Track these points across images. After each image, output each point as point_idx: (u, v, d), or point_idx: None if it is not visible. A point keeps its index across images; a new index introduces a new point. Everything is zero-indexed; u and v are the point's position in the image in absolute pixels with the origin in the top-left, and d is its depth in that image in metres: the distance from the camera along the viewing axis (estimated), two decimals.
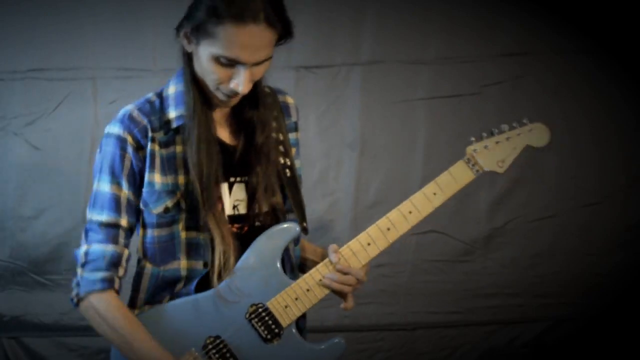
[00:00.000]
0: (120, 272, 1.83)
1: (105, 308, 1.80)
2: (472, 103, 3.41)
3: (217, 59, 1.72)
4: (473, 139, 1.91)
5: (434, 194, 1.90)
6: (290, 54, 3.35)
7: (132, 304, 1.90)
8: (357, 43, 3.38)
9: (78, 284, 1.82)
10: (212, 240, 1.82)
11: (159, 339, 1.79)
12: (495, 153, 1.89)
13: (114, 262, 1.81)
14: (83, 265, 1.81)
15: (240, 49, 1.70)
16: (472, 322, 3.45)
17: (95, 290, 1.80)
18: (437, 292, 3.44)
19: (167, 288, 1.86)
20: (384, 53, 3.39)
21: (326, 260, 1.87)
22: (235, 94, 1.77)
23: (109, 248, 1.81)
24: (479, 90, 3.41)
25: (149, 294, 1.88)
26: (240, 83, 1.74)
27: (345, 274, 1.87)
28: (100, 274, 1.80)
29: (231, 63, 1.72)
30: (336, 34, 3.37)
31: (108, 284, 1.80)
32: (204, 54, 1.73)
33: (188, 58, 1.81)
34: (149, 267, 1.87)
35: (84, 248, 1.83)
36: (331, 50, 3.38)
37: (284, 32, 1.81)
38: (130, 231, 1.85)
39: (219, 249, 1.80)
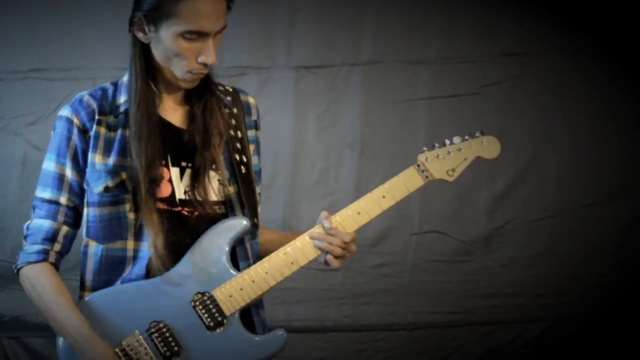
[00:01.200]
0: (56, 247, 1.90)
1: (35, 277, 1.87)
2: (472, 103, 3.41)
3: (182, 36, 1.78)
4: (425, 148, 1.97)
5: (383, 197, 1.96)
6: (290, 54, 3.36)
7: (81, 287, 1.95)
8: (357, 43, 3.39)
9: (18, 256, 1.91)
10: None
11: (104, 322, 1.84)
12: (445, 162, 1.97)
13: (49, 237, 1.89)
14: (25, 238, 1.92)
15: (203, 19, 1.77)
16: (472, 322, 3.45)
17: (30, 261, 1.88)
18: (437, 292, 3.43)
19: (114, 270, 1.89)
20: (384, 53, 3.39)
21: (272, 254, 1.90)
22: (205, 67, 1.84)
23: (46, 223, 1.89)
24: (479, 90, 3.41)
25: (96, 275, 1.91)
26: (209, 54, 1.81)
27: (332, 235, 1.90)
28: (35, 247, 1.88)
29: (196, 36, 1.79)
30: (336, 34, 3.38)
31: (43, 255, 1.88)
32: (167, 35, 1.79)
33: (141, 48, 1.86)
34: (92, 245, 1.91)
35: (28, 222, 1.92)
36: (331, 50, 3.39)
37: None
38: (72, 211, 1.91)
39: (148, 232, 1.85)
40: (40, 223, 1.89)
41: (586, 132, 3.44)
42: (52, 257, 1.89)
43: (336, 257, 1.90)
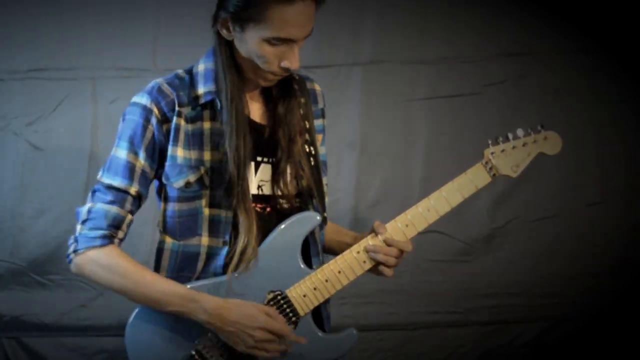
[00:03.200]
0: (120, 234, 1.85)
1: (106, 258, 1.80)
2: (472, 103, 3.41)
3: (268, 41, 1.75)
4: (490, 141, 1.94)
5: (451, 194, 1.96)
6: None
7: None
8: (357, 43, 3.38)
9: (76, 240, 1.82)
10: (235, 219, 1.83)
11: (177, 321, 1.80)
12: (511, 158, 1.95)
13: (115, 224, 1.83)
14: (84, 222, 1.83)
15: (291, 27, 1.75)
16: (472, 322, 3.45)
17: (95, 246, 1.80)
18: (437, 292, 3.43)
19: (187, 266, 1.86)
20: (384, 53, 3.39)
21: (344, 252, 1.89)
22: (287, 71, 1.81)
23: (113, 209, 1.82)
24: (480, 90, 3.41)
25: (169, 272, 1.88)
26: (293, 60, 1.78)
27: (389, 245, 1.92)
28: (100, 232, 1.81)
29: (282, 42, 1.75)
30: (336, 34, 3.37)
31: (108, 240, 1.81)
32: (252, 39, 1.76)
33: (226, 44, 1.83)
34: (168, 241, 1.88)
35: (87, 206, 1.84)
36: (331, 50, 3.38)
37: None
38: (138, 200, 1.87)
39: (244, 228, 1.81)
40: (107, 209, 1.82)
41: (587, 132, 3.44)
42: (116, 243, 1.84)
43: (389, 266, 1.92)
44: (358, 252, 1.89)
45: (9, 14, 3.19)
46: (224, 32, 1.81)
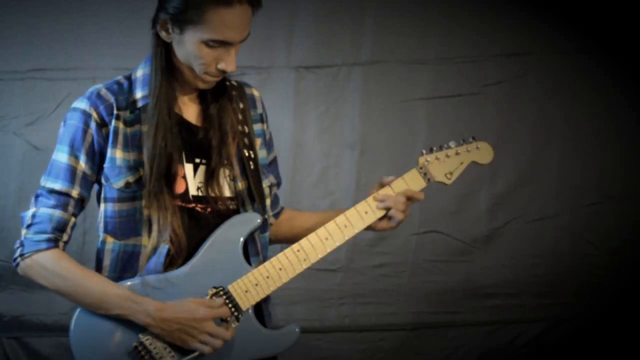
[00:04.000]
0: (65, 237, 1.89)
1: (52, 261, 1.85)
2: (472, 103, 3.41)
3: (205, 43, 1.80)
4: (424, 150, 2.01)
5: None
6: (290, 54, 3.36)
7: None
8: (357, 43, 3.39)
9: (22, 244, 1.87)
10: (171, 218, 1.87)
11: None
12: (444, 165, 2.02)
13: (60, 227, 1.87)
14: (28, 227, 1.87)
15: (229, 30, 1.79)
16: (472, 322, 3.45)
17: (40, 249, 1.85)
18: (437, 292, 3.43)
19: (129, 265, 1.89)
20: (384, 53, 3.39)
21: (285, 250, 1.91)
22: (223, 73, 1.86)
23: (57, 213, 1.87)
24: (479, 90, 3.42)
25: (111, 272, 1.90)
26: (230, 62, 1.83)
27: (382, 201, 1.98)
28: (45, 236, 1.85)
29: (219, 45, 1.80)
30: (336, 34, 3.38)
31: (53, 243, 1.86)
32: (190, 40, 1.81)
33: (164, 46, 1.88)
34: (109, 241, 1.90)
35: (32, 210, 1.88)
36: (331, 50, 3.39)
37: (257, 4, 1.86)
38: (80, 203, 1.90)
39: (157, 226, 1.84)
40: (50, 213, 1.86)
41: (586, 132, 3.45)
42: (61, 246, 1.88)
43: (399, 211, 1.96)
44: (298, 250, 1.92)
45: (9, 14, 3.19)
46: (163, 34, 1.86)
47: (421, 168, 2.01)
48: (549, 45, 3.42)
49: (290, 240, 2.03)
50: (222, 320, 1.85)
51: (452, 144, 2.02)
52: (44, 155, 3.23)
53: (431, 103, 3.41)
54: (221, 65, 1.83)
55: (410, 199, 1.98)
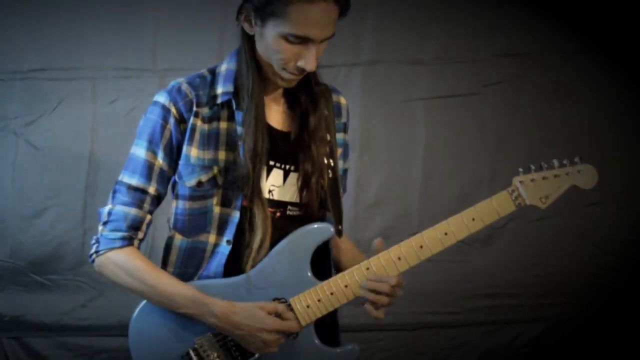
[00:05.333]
0: (140, 235, 1.88)
1: (126, 260, 1.84)
2: (471, 103, 3.41)
3: (285, 38, 1.75)
4: (521, 169, 1.89)
5: (473, 219, 1.88)
6: None
7: None
8: (357, 43, 3.38)
9: (97, 241, 1.86)
10: (241, 219, 1.85)
11: (178, 319, 1.83)
12: (540, 189, 1.89)
13: (135, 225, 1.86)
14: (105, 224, 1.86)
15: (310, 26, 1.74)
16: (472, 322, 3.45)
17: (115, 247, 1.84)
18: (437, 292, 3.43)
19: (192, 262, 1.88)
20: (384, 53, 3.39)
21: (355, 267, 1.86)
22: (302, 72, 1.81)
23: (132, 211, 1.85)
24: (479, 90, 3.41)
25: (177, 268, 1.90)
26: (309, 61, 1.78)
27: (379, 281, 1.86)
28: (120, 234, 1.85)
29: (300, 41, 1.75)
30: (336, 34, 3.37)
31: (128, 241, 1.85)
32: (271, 34, 1.76)
33: (248, 40, 1.83)
34: (178, 238, 1.90)
35: (108, 207, 1.87)
36: (331, 50, 3.35)
37: (345, 5, 1.82)
38: (157, 199, 1.89)
39: (260, 225, 1.82)
40: (126, 210, 1.85)
41: (586, 132, 3.44)
42: (135, 244, 1.87)
43: (379, 306, 1.86)
44: (367, 269, 1.86)
45: (9, 14, 3.19)
46: (246, 26, 1.81)
47: (513, 190, 1.88)
48: (549, 45, 3.42)
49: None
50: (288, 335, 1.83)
51: (554, 162, 1.89)
52: (44, 155, 3.24)
53: (431, 103, 3.41)
54: (300, 63, 1.78)
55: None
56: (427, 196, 3.39)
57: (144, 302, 1.88)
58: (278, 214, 1.90)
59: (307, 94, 1.92)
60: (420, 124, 3.42)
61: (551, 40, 3.41)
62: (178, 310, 1.82)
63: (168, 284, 1.83)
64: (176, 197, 1.90)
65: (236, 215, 1.85)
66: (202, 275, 1.87)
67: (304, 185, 1.90)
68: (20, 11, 3.20)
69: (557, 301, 3.47)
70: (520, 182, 1.87)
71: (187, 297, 1.81)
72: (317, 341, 1.87)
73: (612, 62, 3.42)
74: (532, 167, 1.89)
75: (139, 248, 1.88)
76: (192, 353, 1.81)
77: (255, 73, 1.83)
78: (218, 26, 3.25)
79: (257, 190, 1.83)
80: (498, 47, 3.40)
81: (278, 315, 1.80)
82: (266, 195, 1.88)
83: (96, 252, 1.86)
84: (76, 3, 3.23)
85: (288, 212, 1.91)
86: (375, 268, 1.84)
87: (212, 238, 1.87)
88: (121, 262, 1.84)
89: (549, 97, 3.43)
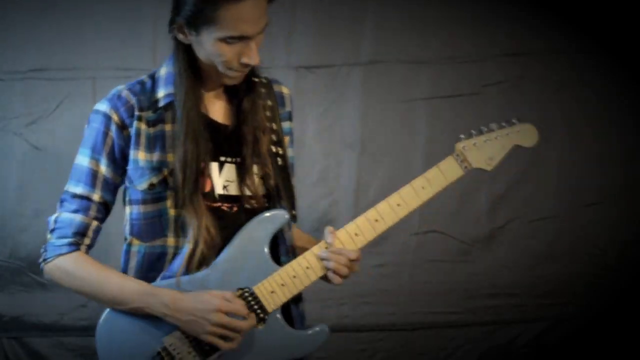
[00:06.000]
0: (86, 241, 1.89)
1: (73, 264, 1.86)
2: (472, 103, 3.41)
3: (224, 41, 1.77)
4: (462, 136, 1.93)
5: (422, 187, 1.93)
6: (290, 54, 3.36)
7: None
8: (357, 43, 3.39)
9: (45, 249, 1.88)
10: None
11: (144, 320, 1.83)
12: (484, 151, 1.93)
13: (81, 231, 1.87)
14: (52, 232, 1.89)
15: (244, 24, 1.75)
16: (472, 322, 3.45)
17: (62, 253, 1.86)
18: (437, 292, 3.43)
19: (154, 267, 1.89)
20: (384, 53, 3.39)
21: (314, 247, 1.89)
22: (247, 67, 1.83)
23: (78, 217, 1.87)
24: (479, 90, 3.42)
25: (138, 273, 1.90)
26: (252, 56, 1.80)
27: (338, 254, 1.88)
28: (66, 240, 1.86)
29: (238, 40, 1.77)
30: (336, 34, 3.38)
31: (74, 247, 1.86)
32: (208, 40, 1.78)
33: (184, 48, 1.85)
34: (135, 243, 1.90)
35: (55, 215, 1.90)
36: (331, 50, 3.39)
37: None
38: (103, 207, 1.90)
39: (192, 228, 1.84)
40: (71, 217, 1.87)
41: (586, 132, 3.45)
42: (83, 250, 1.88)
43: (340, 275, 1.90)
44: (327, 247, 1.89)
45: (9, 14, 3.19)
46: (180, 37, 1.84)
47: (458, 155, 1.92)
48: (549, 45, 3.42)
49: None
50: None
51: (492, 126, 1.93)
52: (44, 155, 3.24)
53: (431, 103, 3.41)
54: (244, 60, 1.80)
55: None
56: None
57: (108, 309, 1.89)
58: (235, 209, 1.91)
59: (247, 87, 1.94)
60: (420, 124, 3.43)
61: (552, 40, 3.41)
62: (129, 306, 1.82)
63: (115, 281, 1.85)
64: (129, 202, 1.91)
65: (192, 215, 1.85)
66: (164, 277, 1.87)
67: (252, 176, 1.91)
68: (20, 11, 3.20)
69: (557, 301, 3.47)
70: (464, 147, 1.92)
71: (135, 290, 1.82)
72: (286, 326, 1.88)
73: (612, 62, 3.42)
74: (473, 132, 1.93)
75: (87, 253, 1.89)
76: (162, 353, 1.81)
77: (190, 79, 1.86)
78: None
79: (191, 194, 1.84)
80: (499, 47, 3.41)
81: (225, 299, 1.81)
82: (221, 191, 1.90)
83: (44, 259, 1.88)
84: (76, 3, 3.23)
85: (246, 206, 1.91)
86: (334, 245, 1.87)
87: (171, 241, 1.87)
88: (68, 267, 1.86)
89: (549, 97, 3.43)
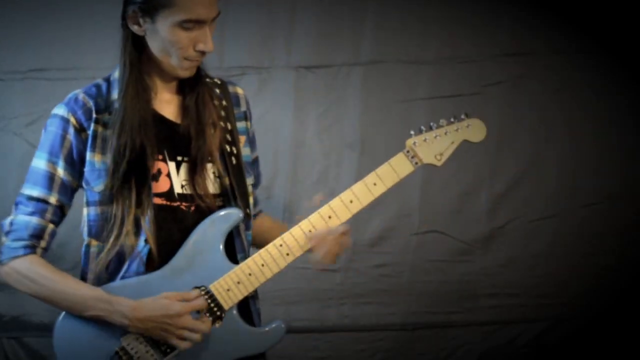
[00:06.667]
0: (42, 244, 1.90)
1: (28, 267, 1.86)
2: (472, 103, 3.41)
3: (179, 25, 1.80)
4: (412, 132, 1.96)
5: (374, 184, 1.98)
6: (290, 54, 3.36)
7: None
8: (357, 43, 3.39)
9: (0, 252, 1.89)
10: (156, 218, 1.87)
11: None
12: (433, 146, 1.95)
13: (36, 234, 1.88)
14: (7, 234, 1.90)
15: (199, 7, 1.80)
16: (472, 322, 3.45)
17: (17, 256, 1.86)
18: (437, 292, 3.43)
19: (113, 267, 1.89)
20: (384, 53, 3.39)
21: (268, 245, 1.90)
22: (202, 55, 1.86)
23: (33, 220, 1.88)
24: (480, 90, 3.41)
25: (97, 274, 1.90)
26: (207, 42, 1.84)
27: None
28: (22, 243, 1.87)
29: (193, 25, 1.80)
30: (336, 34, 3.38)
31: (30, 250, 1.87)
32: (164, 26, 1.80)
33: (133, 43, 1.88)
34: (94, 244, 1.92)
35: (10, 218, 1.91)
36: (331, 50, 3.39)
37: None
38: (59, 210, 1.91)
39: (148, 228, 1.85)
40: (27, 220, 1.88)
41: (586, 132, 3.45)
42: (38, 252, 1.89)
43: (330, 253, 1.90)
44: (280, 245, 1.90)
45: (8, 14, 3.19)
46: (135, 28, 1.86)
47: (408, 151, 1.96)
48: (549, 45, 3.42)
49: (256, 245, 2.02)
50: (198, 313, 1.84)
51: (442, 121, 1.96)
52: None
53: (431, 103, 3.41)
54: (199, 46, 1.83)
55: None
56: (427, 196, 3.38)
57: (63, 313, 1.89)
58: (192, 208, 1.92)
59: (199, 86, 1.95)
60: (420, 124, 3.39)
61: (552, 40, 3.41)
62: (87, 313, 1.83)
63: (72, 287, 1.85)
64: (87, 204, 1.92)
65: (148, 214, 1.87)
66: (123, 277, 1.88)
67: (202, 174, 1.92)
68: (20, 11, 3.20)
69: (557, 301, 3.47)
70: (414, 143, 1.95)
71: (92, 297, 1.82)
72: (243, 323, 1.90)
73: (612, 62, 3.42)
74: (423, 128, 1.96)
75: (43, 256, 1.90)
76: (120, 352, 1.83)
77: (133, 73, 1.88)
78: (218, 25, 3.25)
79: (118, 185, 1.85)
80: (499, 46, 3.41)
81: (184, 300, 1.82)
82: (180, 190, 1.91)
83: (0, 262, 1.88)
84: (76, 3, 3.23)
85: (201, 205, 1.92)
86: (288, 242, 1.89)
87: (128, 241, 1.88)
88: (24, 270, 1.86)
89: (549, 97, 3.43)
